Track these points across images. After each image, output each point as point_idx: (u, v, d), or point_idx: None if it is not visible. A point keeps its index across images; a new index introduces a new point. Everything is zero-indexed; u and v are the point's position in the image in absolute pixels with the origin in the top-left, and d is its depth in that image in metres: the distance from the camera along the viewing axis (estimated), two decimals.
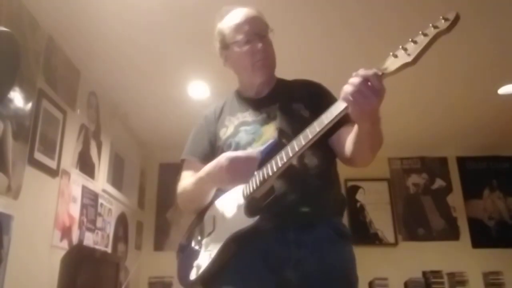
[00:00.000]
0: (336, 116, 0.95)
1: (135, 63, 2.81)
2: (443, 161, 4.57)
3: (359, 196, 4.44)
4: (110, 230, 3.32)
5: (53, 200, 2.39)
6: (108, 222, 3.27)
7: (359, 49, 2.68)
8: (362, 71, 0.91)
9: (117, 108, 3.43)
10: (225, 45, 1.30)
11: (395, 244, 4.26)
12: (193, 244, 1.21)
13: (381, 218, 4.34)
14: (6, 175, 1.93)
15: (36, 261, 2.19)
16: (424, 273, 4.01)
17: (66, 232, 2.51)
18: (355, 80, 0.90)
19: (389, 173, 4.54)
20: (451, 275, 3.98)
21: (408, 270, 4.01)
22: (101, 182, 3.14)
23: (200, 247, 1.17)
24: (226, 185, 1.14)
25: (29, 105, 2.16)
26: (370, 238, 4.29)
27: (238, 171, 1.06)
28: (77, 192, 2.71)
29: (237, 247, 1.08)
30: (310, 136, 0.98)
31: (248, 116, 1.27)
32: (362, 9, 2.35)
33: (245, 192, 1.10)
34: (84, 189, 2.81)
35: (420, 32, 0.86)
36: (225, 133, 1.27)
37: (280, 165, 1.03)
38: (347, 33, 2.56)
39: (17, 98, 2.06)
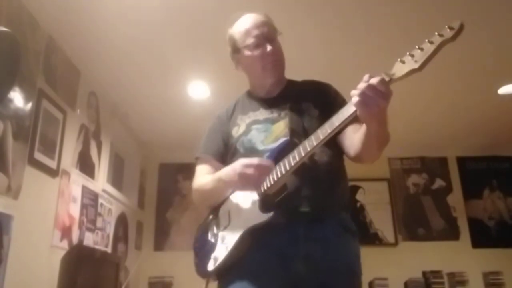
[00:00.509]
0: (346, 118, 1.00)
1: (135, 63, 2.81)
2: (443, 161, 4.57)
3: (359, 196, 4.44)
4: (110, 230, 3.32)
5: (53, 200, 2.39)
6: (108, 222, 3.27)
7: (359, 55, 2.69)
8: (371, 78, 0.95)
9: (117, 108, 3.43)
10: (236, 49, 1.36)
11: (395, 244, 4.26)
12: (209, 237, 1.27)
13: (381, 218, 4.34)
14: (6, 175, 1.93)
15: (36, 261, 2.19)
16: (424, 273, 4.01)
17: (66, 232, 2.51)
18: (365, 85, 0.94)
19: (389, 173, 4.54)
20: (451, 275, 3.98)
21: (408, 270, 4.01)
22: (101, 182, 3.14)
23: (216, 240, 1.24)
24: (238, 190, 1.21)
25: (29, 105, 2.16)
26: (370, 238, 4.29)
27: (249, 179, 1.12)
28: (77, 192, 2.71)
29: (252, 241, 1.14)
30: (322, 137, 1.04)
31: (259, 114, 1.33)
32: (362, 13, 2.35)
33: (257, 190, 1.15)
34: (84, 189, 2.81)
35: (427, 40, 0.90)
36: (237, 131, 1.33)
37: (293, 164, 1.08)
38: (346, 37, 2.56)
39: (17, 98, 2.06)
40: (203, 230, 1.32)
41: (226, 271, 1.18)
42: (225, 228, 1.22)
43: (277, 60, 1.33)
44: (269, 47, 1.30)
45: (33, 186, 2.17)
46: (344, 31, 2.53)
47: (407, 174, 4.55)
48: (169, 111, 3.54)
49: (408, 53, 0.92)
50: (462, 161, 4.55)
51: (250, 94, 1.43)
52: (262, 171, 1.12)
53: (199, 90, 3.18)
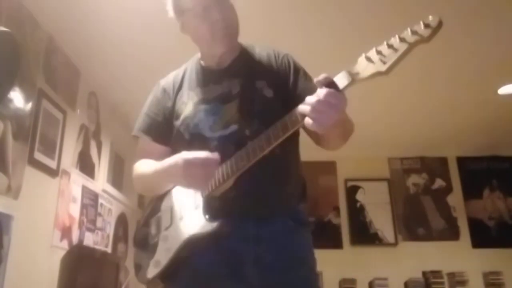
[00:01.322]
0: (300, 123, 0.92)
1: (135, 63, 2.81)
2: (443, 161, 4.57)
3: (359, 196, 4.44)
4: (110, 230, 3.32)
5: (53, 200, 2.39)
6: (108, 222, 3.27)
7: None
8: (319, 90, 0.88)
9: (117, 108, 3.43)
10: (180, 11, 1.20)
11: (395, 244, 4.26)
12: (150, 237, 1.16)
13: (381, 218, 4.34)
14: (6, 175, 1.93)
15: (36, 261, 2.19)
16: (424, 273, 4.01)
17: (66, 232, 2.51)
18: (310, 99, 0.88)
19: (389, 173, 4.54)
20: (451, 275, 3.98)
21: (408, 270, 4.01)
22: (101, 182, 3.14)
23: (157, 242, 1.12)
24: (182, 187, 1.10)
25: (29, 105, 2.16)
26: (370, 238, 4.29)
27: (193, 178, 1.00)
28: (77, 192, 2.71)
29: (195, 248, 1.05)
30: (273, 142, 0.96)
31: (208, 92, 1.17)
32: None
33: (203, 191, 1.07)
34: (84, 189, 2.81)
35: (397, 36, 0.78)
36: (183, 110, 1.18)
37: (240, 166, 1.00)
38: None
39: (17, 98, 2.05)
40: (142, 228, 1.21)
41: (170, 277, 1.08)
42: (166, 228, 1.11)
43: (228, 27, 1.16)
44: (218, 13, 1.13)
45: (33, 186, 2.17)
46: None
47: (407, 174, 4.55)
48: None
49: (375, 49, 0.81)
50: (462, 161, 4.55)
51: (200, 64, 1.26)
52: (209, 169, 1.00)
53: None
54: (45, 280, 2.25)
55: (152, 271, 1.09)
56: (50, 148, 2.37)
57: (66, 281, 2.26)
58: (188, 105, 1.18)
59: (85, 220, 2.80)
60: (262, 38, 2.26)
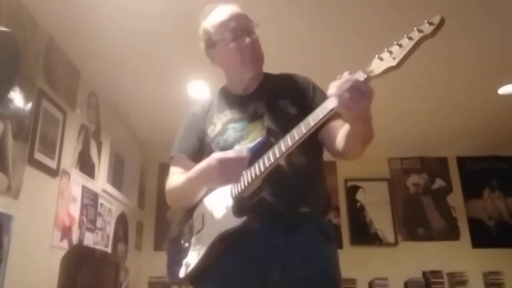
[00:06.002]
0: (322, 118, 0.97)
1: (135, 63, 2.81)
2: (443, 161, 4.58)
3: (359, 196, 4.44)
4: (110, 230, 3.32)
5: (53, 200, 2.39)
6: (108, 222, 3.27)
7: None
8: (349, 76, 0.92)
9: (117, 108, 3.43)
10: (212, 44, 1.30)
11: (395, 244, 4.26)
12: (182, 241, 1.22)
13: (381, 218, 4.35)
14: (6, 175, 1.93)
15: (36, 261, 2.19)
16: (424, 273, 4.01)
17: (66, 232, 2.51)
18: (344, 84, 0.91)
19: (389, 173, 4.54)
20: (451, 275, 3.98)
21: (408, 270, 4.01)
22: (101, 182, 3.14)
23: (189, 245, 1.19)
24: (217, 185, 1.15)
25: (29, 105, 2.16)
26: (370, 238, 4.30)
27: (228, 172, 1.07)
28: (77, 192, 2.71)
29: (225, 247, 1.09)
30: (297, 137, 1.00)
31: (235, 113, 1.27)
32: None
33: (233, 192, 1.11)
34: (84, 189, 2.81)
35: (405, 36, 0.87)
36: (213, 130, 1.27)
37: (267, 165, 1.04)
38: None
39: (17, 98, 2.06)
40: (176, 234, 1.27)
41: (199, 278, 1.14)
42: (198, 232, 1.17)
43: (256, 53, 1.27)
44: (247, 39, 1.23)
45: (33, 186, 2.17)
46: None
47: (407, 174, 4.55)
48: (169, 111, 3.53)
49: (386, 50, 0.89)
50: (462, 161, 4.55)
51: (227, 91, 1.37)
52: (241, 160, 1.06)
53: (199, 90, 3.17)
54: (45, 280, 2.24)
55: (182, 272, 1.16)
56: (50, 148, 2.37)
57: (66, 281, 2.25)
58: (218, 125, 1.27)
59: (85, 220, 2.80)
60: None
